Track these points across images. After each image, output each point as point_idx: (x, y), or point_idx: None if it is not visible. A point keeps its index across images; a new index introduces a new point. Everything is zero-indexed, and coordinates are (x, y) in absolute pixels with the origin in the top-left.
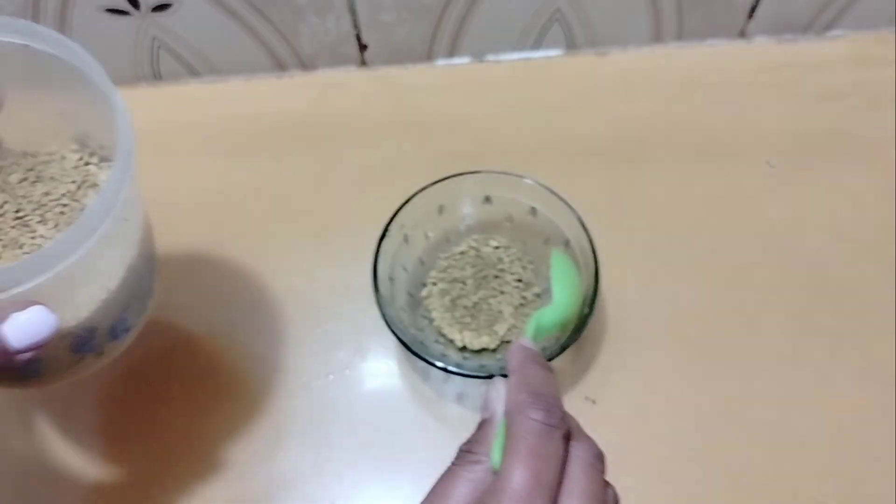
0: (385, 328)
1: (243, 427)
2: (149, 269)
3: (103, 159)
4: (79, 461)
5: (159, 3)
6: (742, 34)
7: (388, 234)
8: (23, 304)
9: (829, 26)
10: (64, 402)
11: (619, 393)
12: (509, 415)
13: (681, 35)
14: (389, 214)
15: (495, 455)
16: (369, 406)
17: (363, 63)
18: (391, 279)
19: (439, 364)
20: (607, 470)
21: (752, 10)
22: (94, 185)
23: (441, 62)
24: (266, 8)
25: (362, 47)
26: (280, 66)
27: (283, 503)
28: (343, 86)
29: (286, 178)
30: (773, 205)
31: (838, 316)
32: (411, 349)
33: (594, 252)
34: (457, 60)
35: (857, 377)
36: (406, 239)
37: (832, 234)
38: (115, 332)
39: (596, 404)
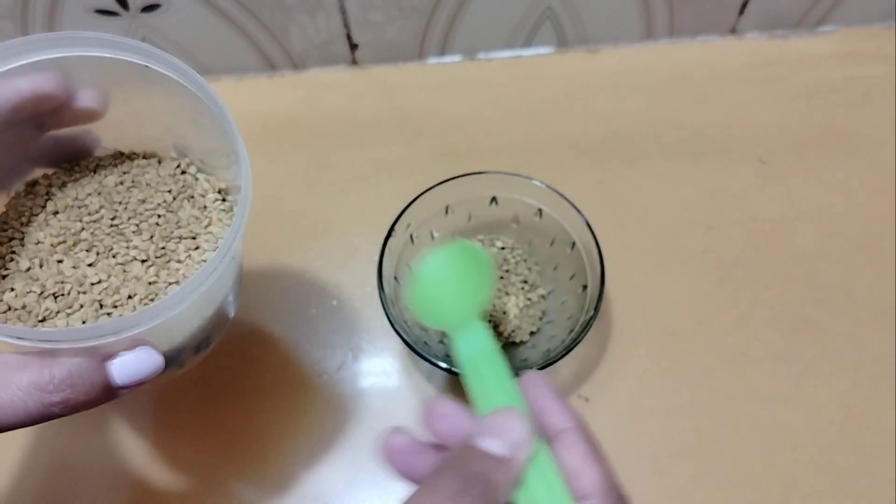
0: (380, 326)
1: (239, 427)
2: (237, 292)
3: (200, 170)
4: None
5: (148, 4)
6: (733, 30)
7: (393, 233)
8: (131, 342)
9: (820, 22)
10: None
11: (611, 390)
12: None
13: (672, 32)
14: (381, 213)
15: None
16: (368, 405)
17: (354, 62)
18: (396, 278)
19: (443, 364)
20: None
21: (743, 6)
22: (191, 198)
23: (432, 60)
24: (256, 8)
25: (353, 46)
26: (271, 66)
27: (283, 502)
28: (334, 85)
29: (277, 177)
30: (765, 200)
31: (831, 311)
32: (415, 349)
33: (601, 255)
34: (448, 59)
35: (849, 373)
36: (412, 238)
37: (824, 230)
38: (198, 349)
39: (589, 402)
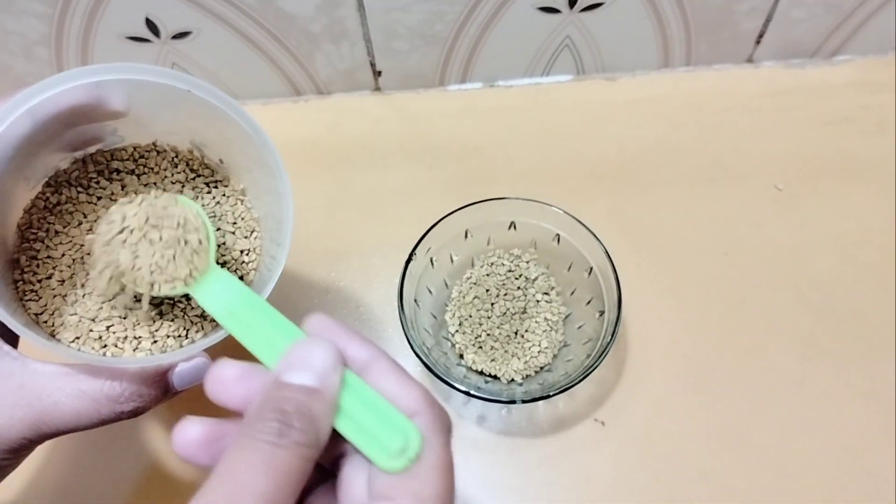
0: (400, 347)
1: None
2: None
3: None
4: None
5: (179, 31)
6: (750, 59)
7: (414, 256)
8: (190, 355)
9: (836, 52)
10: None
11: (627, 414)
12: (431, 420)
13: (689, 61)
14: (401, 236)
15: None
16: None
17: (377, 88)
18: (416, 301)
19: (461, 387)
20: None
21: (760, 36)
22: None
23: (453, 87)
24: (283, 35)
25: (376, 73)
26: (296, 91)
27: None
28: (357, 110)
29: (301, 199)
30: (780, 227)
31: (844, 338)
32: (434, 371)
33: (617, 280)
34: (468, 86)
35: (862, 399)
36: (432, 262)
37: (839, 256)
38: None
39: (605, 426)
